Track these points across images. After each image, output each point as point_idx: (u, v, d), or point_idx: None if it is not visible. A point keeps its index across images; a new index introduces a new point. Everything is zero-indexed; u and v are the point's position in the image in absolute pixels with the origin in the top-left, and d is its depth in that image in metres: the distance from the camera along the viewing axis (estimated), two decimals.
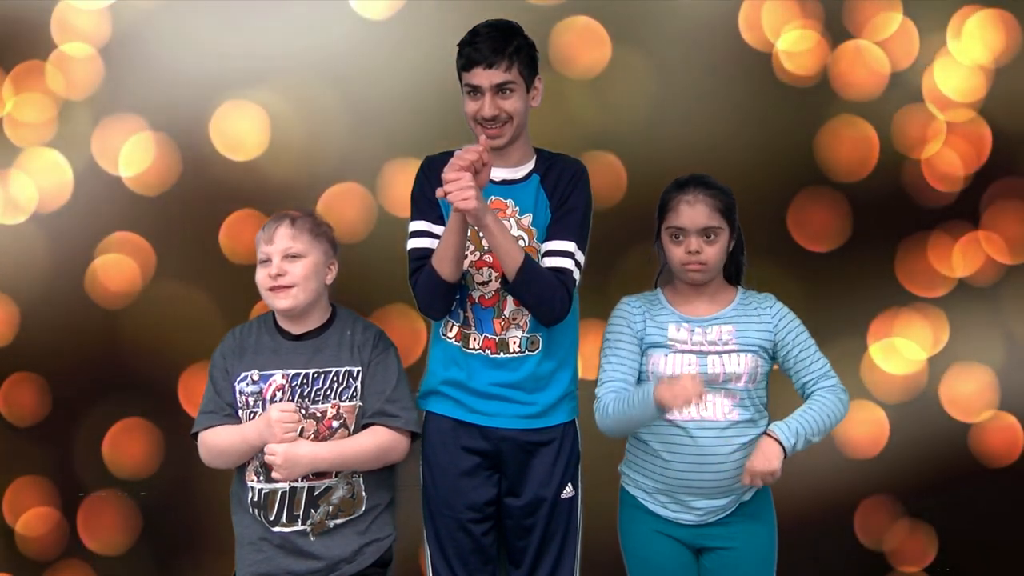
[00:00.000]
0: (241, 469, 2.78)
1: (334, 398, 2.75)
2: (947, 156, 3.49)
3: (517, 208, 2.78)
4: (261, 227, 2.84)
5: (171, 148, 3.41)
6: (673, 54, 3.43)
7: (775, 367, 2.82)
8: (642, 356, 2.77)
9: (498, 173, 2.77)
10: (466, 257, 2.74)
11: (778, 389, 2.81)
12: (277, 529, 2.73)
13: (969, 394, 3.52)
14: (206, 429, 2.79)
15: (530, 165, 2.82)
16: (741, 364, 2.73)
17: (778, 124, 3.44)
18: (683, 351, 2.75)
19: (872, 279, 3.47)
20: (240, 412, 2.78)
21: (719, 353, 2.74)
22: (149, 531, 3.43)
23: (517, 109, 2.72)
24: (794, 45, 3.45)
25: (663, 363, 2.75)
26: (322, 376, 2.76)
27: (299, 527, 2.73)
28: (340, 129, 3.42)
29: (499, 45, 2.68)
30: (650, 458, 2.77)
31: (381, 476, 2.80)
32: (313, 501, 2.73)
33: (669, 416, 2.71)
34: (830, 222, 3.46)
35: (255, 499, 2.74)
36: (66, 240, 3.42)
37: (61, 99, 3.41)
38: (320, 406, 2.74)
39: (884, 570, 3.52)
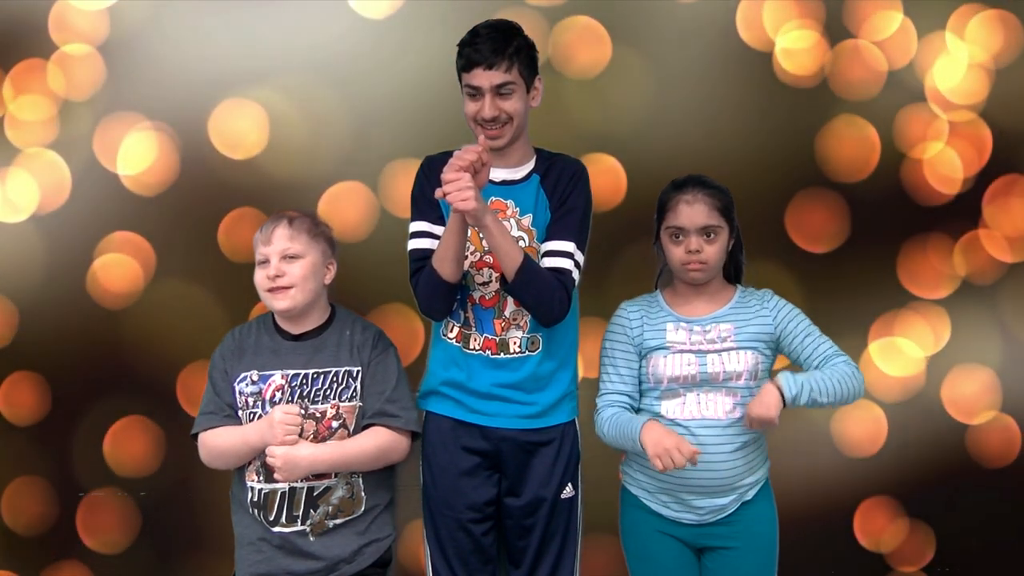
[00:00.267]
0: (241, 469, 2.78)
1: (334, 398, 2.75)
2: (948, 156, 3.48)
3: (517, 209, 2.78)
4: (259, 227, 2.84)
5: (170, 147, 3.41)
6: (673, 54, 3.43)
7: (775, 365, 2.82)
8: (641, 361, 2.78)
9: (498, 174, 2.77)
10: (466, 258, 2.74)
11: None
12: (277, 529, 2.73)
13: (969, 394, 3.52)
14: (206, 430, 2.79)
15: (530, 165, 2.82)
16: (741, 362, 2.74)
17: (778, 124, 3.44)
18: (682, 351, 2.75)
19: (873, 279, 3.47)
20: (240, 412, 2.78)
21: (718, 352, 2.74)
22: (149, 531, 3.42)
23: (517, 110, 2.72)
24: (793, 44, 3.44)
25: (663, 364, 2.75)
26: (322, 376, 2.76)
27: (299, 527, 2.73)
28: (339, 128, 3.41)
29: (499, 46, 2.67)
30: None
31: (381, 476, 2.80)
32: (313, 501, 2.73)
33: (669, 416, 2.72)
34: (830, 222, 3.46)
35: (255, 499, 2.74)
36: (65, 239, 3.42)
37: (60, 99, 3.41)
38: (320, 406, 2.74)
39: (883, 570, 3.52)
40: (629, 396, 2.78)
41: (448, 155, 2.62)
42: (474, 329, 2.77)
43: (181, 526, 3.41)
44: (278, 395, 2.75)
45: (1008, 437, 3.53)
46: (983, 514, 3.51)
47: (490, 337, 2.76)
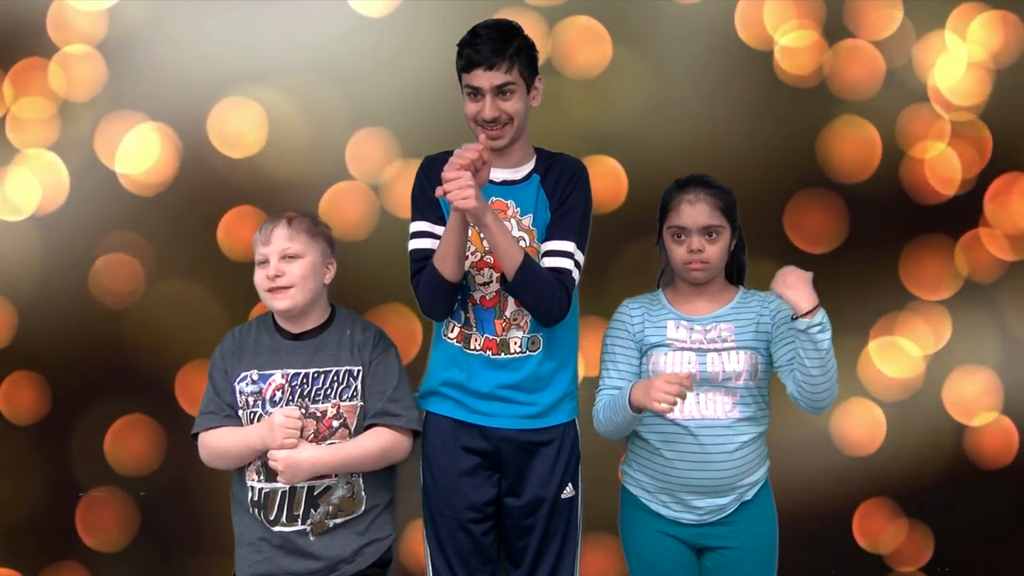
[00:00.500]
0: (241, 469, 2.79)
1: (334, 398, 2.75)
2: (950, 156, 3.48)
3: (518, 209, 2.78)
4: (258, 227, 2.84)
5: (169, 146, 3.40)
6: (673, 54, 3.43)
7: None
8: (642, 359, 2.78)
9: (498, 174, 2.77)
10: (467, 258, 2.74)
11: (779, 388, 2.81)
12: (277, 529, 2.73)
13: (968, 394, 3.52)
14: (206, 430, 2.79)
15: (530, 165, 2.82)
16: (740, 362, 2.74)
17: (779, 124, 3.44)
18: (682, 348, 2.75)
19: (875, 279, 3.47)
20: (240, 412, 2.78)
21: (718, 351, 2.75)
22: (149, 530, 3.42)
23: (517, 110, 2.72)
24: (794, 43, 3.44)
25: (663, 362, 2.75)
26: (322, 376, 2.76)
27: (299, 527, 2.73)
28: (339, 127, 3.41)
29: (499, 46, 2.67)
30: (652, 457, 2.77)
31: (381, 476, 2.80)
32: (313, 501, 2.73)
33: (669, 415, 2.71)
34: (831, 223, 3.46)
35: (255, 498, 2.74)
36: (65, 238, 3.42)
37: (60, 98, 3.41)
38: (320, 406, 2.74)
39: (882, 570, 3.52)
40: None
41: (448, 155, 2.62)
42: (475, 329, 2.77)
43: (181, 526, 3.40)
44: (278, 394, 2.75)
45: (1007, 438, 3.54)
46: (982, 514, 3.51)
47: (491, 337, 2.76)
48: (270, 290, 2.76)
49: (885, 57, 3.46)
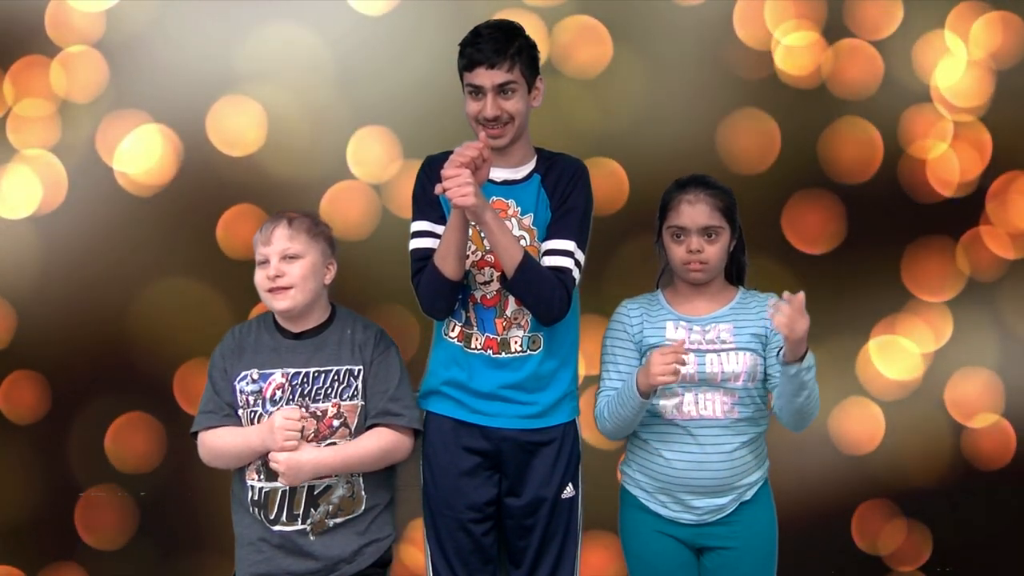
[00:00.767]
0: (241, 468, 2.78)
1: (334, 397, 2.75)
2: (952, 156, 3.49)
3: (518, 208, 2.78)
4: (259, 227, 2.83)
5: (169, 144, 3.40)
6: (672, 54, 3.43)
7: None
8: (641, 359, 2.78)
9: (499, 174, 2.77)
10: (468, 257, 2.74)
11: None
12: (277, 528, 2.73)
13: (968, 395, 3.52)
14: (206, 430, 2.78)
15: (531, 165, 2.82)
16: (739, 363, 2.74)
17: (779, 124, 3.44)
18: None
19: (876, 279, 3.47)
20: (240, 411, 2.78)
21: (717, 352, 2.74)
22: (149, 530, 3.42)
23: (519, 110, 2.72)
24: (793, 43, 3.44)
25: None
26: (322, 375, 2.76)
27: (299, 526, 2.73)
28: (339, 125, 3.41)
29: (501, 46, 2.68)
30: (651, 457, 2.77)
31: (381, 476, 2.80)
32: (313, 500, 2.73)
33: (669, 416, 2.72)
34: (831, 223, 3.46)
35: (255, 498, 2.74)
36: (64, 237, 3.42)
37: (60, 98, 3.40)
38: (320, 405, 2.74)
39: (881, 570, 3.52)
40: None
41: (449, 155, 2.62)
42: (476, 328, 2.77)
43: (181, 525, 3.40)
44: (278, 393, 2.75)
45: (1005, 438, 3.54)
46: (981, 514, 3.52)
47: (491, 336, 2.76)
48: (270, 290, 2.76)
49: (885, 57, 3.46)
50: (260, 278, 2.77)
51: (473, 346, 2.77)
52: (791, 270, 3.42)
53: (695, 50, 3.43)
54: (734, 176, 3.31)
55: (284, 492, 2.72)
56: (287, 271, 2.74)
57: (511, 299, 2.75)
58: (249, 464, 2.76)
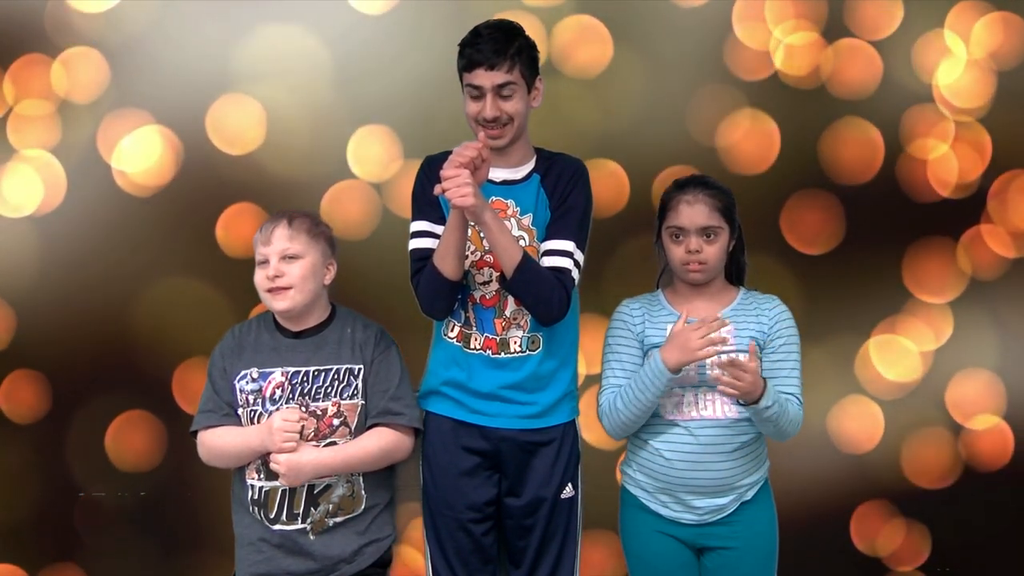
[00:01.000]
0: (241, 467, 2.78)
1: (334, 396, 2.75)
2: (953, 156, 3.49)
3: (518, 209, 2.78)
4: (258, 226, 2.83)
5: (168, 143, 3.40)
6: (673, 54, 3.43)
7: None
8: (644, 357, 2.78)
9: (498, 174, 2.77)
10: (467, 257, 2.74)
11: None
12: (277, 527, 2.73)
13: (967, 394, 3.53)
14: (205, 429, 2.78)
15: (530, 165, 2.82)
16: None
17: (780, 125, 3.44)
18: None
19: (877, 280, 3.47)
20: (240, 410, 2.77)
21: (717, 352, 2.74)
22: (149, 530, 3.43)
23: (518, 110, 2.71)
24: (793, 43, 3.44)
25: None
26: (322, 374, 2.76)
27: (299, 525, 2.73)
28: (339, 125, 3.42)
29: (501, 46, 2.67)
30: (651, 457, 2.77)
31: (381, 476, 2.80)
32: (313, 499, 2.73)
33: (669, 416, 2.72)
34: (831, 224, 3.46)
35: (255, 497, 2.74)
36: (63, 236, 3.42)
37: (60, 97, 3.41)
38: (320, 404, 2.74)
39: (881, 570, 3.53)
40: None
41: (449, 155, 2.62)
42: (475, 328, 2.77)
43: (181, 525, 3.41)
44: (278, 392, 2.75)
45: (1003, 439, 3.54)
46: (979, 514, 3.52)
47: (491, 336, 2.76)
48: (269, 290, 2.75)
49: (885, 57, 3.46)
50: (259, 278, 2.77)
51: (472, 346, 2.77)
52: (791, 270, 3.42)
53: (695, 50, 3.44)
54: (734, 176, 3.31)
55: (284, 491, 2.72)
56: (287, 271, 2.74)
57: (510, 299, 2.75)
58: (249, 463, 2.76)
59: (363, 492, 2.77)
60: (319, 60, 3.41)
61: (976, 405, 3.53)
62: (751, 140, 3.44)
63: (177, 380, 3.41)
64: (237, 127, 3.41)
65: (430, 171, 2.76)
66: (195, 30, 3.40)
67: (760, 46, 3.44)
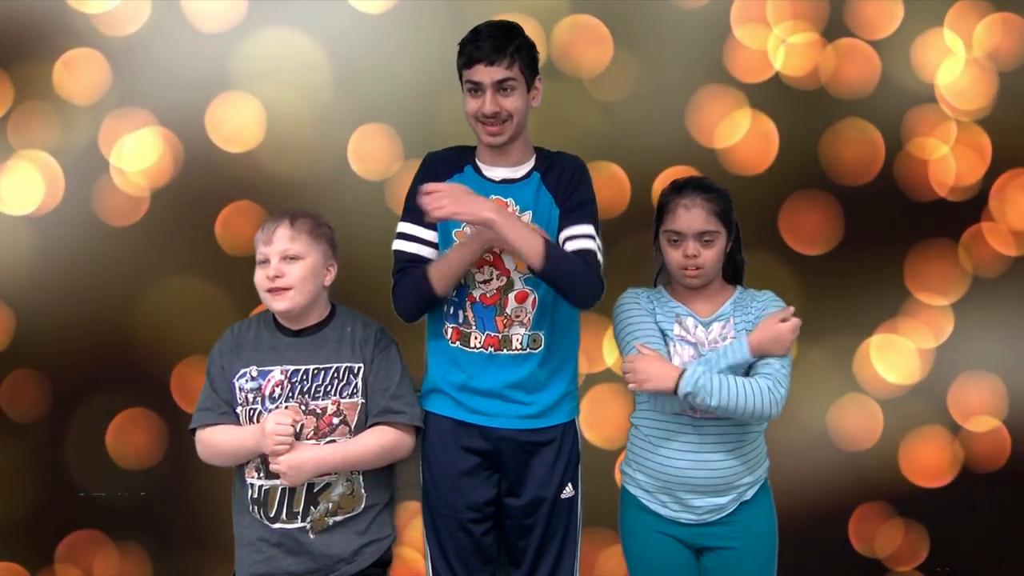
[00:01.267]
0: (241, 466, 2.78)
1: (334, 395, 2.75)
2: (954, 156, 3.49)
3: (517, 206, 2.78)
4: (258, 224, 2.83)
5: (167, 143, 3.40)
6: (673, 54, 3.43)
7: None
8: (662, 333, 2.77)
9: (498, 172, 2.77)
10: None
11: None
12: (277, 526, 2.72)
13: (967, 394, 3.53)
14: (204, 427, 2.78)
15: (530, 164, 2.82)
16: None
17: (780, 126, 3.44)
18: (684, 341, 2.75)
19: (878, 280, 3.47)
20: (239, 409, 2.77)
21: (715, 351, 2.74)
22: (149, 530, 3.43)
23: (517, 107, 2.72)
24: (793, 44, 3.44)
25: (665, 355, 2.75)
26: (322, 372, 2.76)
27: (299, 524, 2.73)
28: (339, 123, 3.42)
29: (501, 43, 2.68)
30: (651, 456, 2.77)
31: (381, 475, 2.80)
32: (313, 498, 2.73)
33: (669, 414, 2.72)
34: (829, 224, 3.46)
35: (255, 496, 2.74)
36: (63, 235, 3.42)
37: (60, 98, 3.41)
38: (320, 402, 2.73)
39: (880, 569, 3.53)
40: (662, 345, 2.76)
41: (451, 152, 2.67)
42: (474, 327, 2.77)
43: (181, 524, 3.41)
44: (277, 391, 2.74)
45: (1001, 440, 3.55)
46: (977, 514, 3.53)
47: (492, 334, 2.76)
48: (269, 290, 2.75)
49: (885, 57, 3.46)
50: (260, 278, 2.76)
51: (472, 345, 2.77)
52: (790, 270, 3.43)
53: (695, 51, 3.43)
54: (733, 177, 3.31)
55: (284, 490, 2.72)
56: (287, 272, 2.73)
57: (511, 297, 2.75)
58: (248, 462, 2.76)
59: (363, 491, 2.77)
60: (319, 59, 3.41)
61: (976, 406, 3.53)
62: (751, 140, 3.44)
63: (177, 379, 3.41)
64: (237, 125, 3.41)
65: (428, 171, 2.77)
66: (195, 29, 3.40)
67: (760, 47, 3.44)
